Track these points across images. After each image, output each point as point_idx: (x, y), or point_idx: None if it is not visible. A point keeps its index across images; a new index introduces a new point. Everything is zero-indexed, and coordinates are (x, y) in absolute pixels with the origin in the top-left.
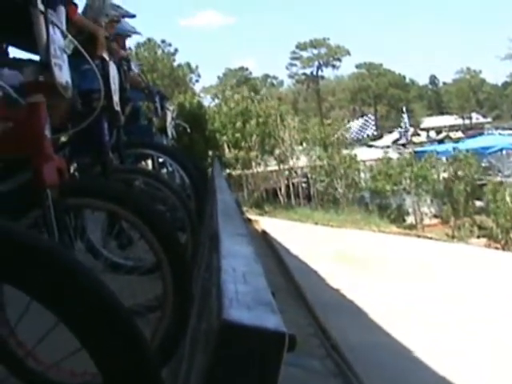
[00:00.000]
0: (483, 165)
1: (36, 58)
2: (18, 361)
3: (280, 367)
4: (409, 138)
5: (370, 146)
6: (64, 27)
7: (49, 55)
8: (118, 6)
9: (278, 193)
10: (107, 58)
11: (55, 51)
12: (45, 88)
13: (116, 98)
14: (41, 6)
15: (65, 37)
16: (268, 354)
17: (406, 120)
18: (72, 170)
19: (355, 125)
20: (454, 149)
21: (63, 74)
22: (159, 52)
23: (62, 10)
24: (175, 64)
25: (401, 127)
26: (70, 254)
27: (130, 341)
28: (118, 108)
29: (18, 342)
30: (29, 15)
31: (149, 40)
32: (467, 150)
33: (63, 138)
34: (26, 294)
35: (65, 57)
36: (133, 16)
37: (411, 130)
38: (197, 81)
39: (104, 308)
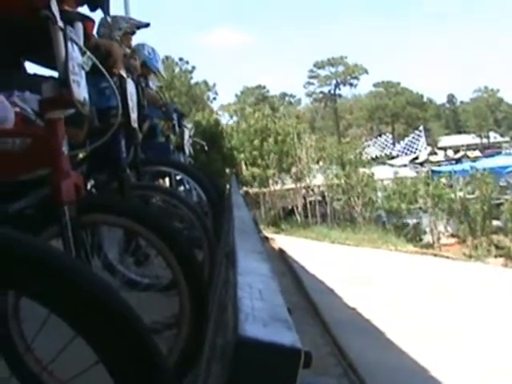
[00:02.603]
0: (501, 184)
1: (55, 74)
2: (33, 376)
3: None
4: (419, 154)
5: (388, 165)
6: (82, 44)
7: (67, 72)
8: (130, 18)
9: (295, 211)
10: (125, 75)
11: (73, 68)
12: (63, 104)
13: (134, 115)
14: (60, 23)
15: (83, 53)
16: (283, 371)
17: (418, 138)
18: (89, 187)
19: (373, 143)
20: (472, 168)
21: (81, 91)
22: (177, 70)
23: (79, 26)
24: (193, 82)
25: (412, 146)
26: (89, 268)
27: (148, 357)
28: (135, 125)
29: (34, 357)
30: (48, 32)
31: (166, 58)
32: (484, 169)
33: (81, 155)
34: (45, 307)
35: (83, 73)
36: (147, 25)
37: (426, 148)
38: (214, 98)
39: (123, 323)
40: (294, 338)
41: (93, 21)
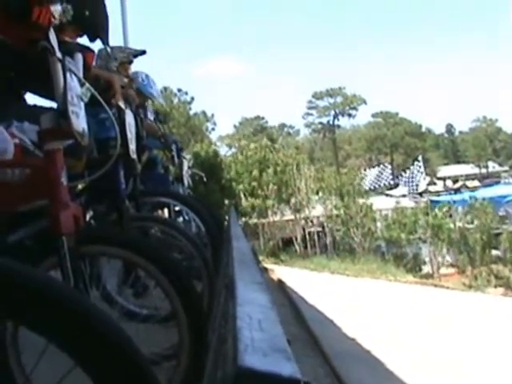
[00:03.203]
0: (500, 214)
1: (54, 105)
2: None
3: None
4: (416, 188)
5: (387, 195)
6: (81, 74)
7: (66, 103)
8: (126, 47)
9: (294, 242)
10: (123, 106)
11: (72, 99)
12: (62, 135)
13: (132, 146)
14: (59, 54)
15: (82, 84)
16: None
17: (418, 169)
18: (88, 218)
19: (371, 173)
20: (471, 197)
21: (80, 122)
22: (175, 101)
23: (79, 57)
24: (191, 112)
25: (413, 178)
26: (88, 300)
27: None
28: (134, 156)
29: None
30: (47, 63)
31: (165, 89)
32: (483, 199)
33: (80, 186)
34: (44, 338)
35: (82, 104)
36: (143, 52)
37: (425, 178)
38: (213, 129)
39: (122, 354)
40: (293, 369)
41: (93, 51)
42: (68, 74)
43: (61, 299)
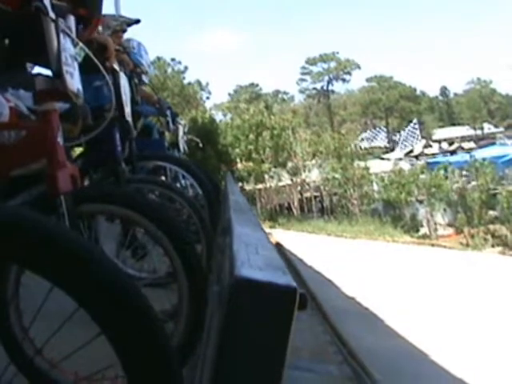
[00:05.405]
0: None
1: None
2: (29, 361)
3: (291, 323)
4: (414, 146)
5: (382, 159)
6: (74, 35)
7: (60, 63)
8: (120, 16)
9: (292, 206)
10: (118, 69)
11: (66, 59)
12: (57, 96)
13: (127, 108)
14: (52, 15)
15: (75, 45)
16: (280, 309)
17: (413, 131)
18: (85, 183)
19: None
20: (471, 157)
21: (74, 82)
22: (169, 70)
23: (71, 18)
24: (185, 82)
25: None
26: (95, 245)
27: (153, 336)
28: (129, 118)
29: (32, 345)
30: (40, 24)
31: (158, 59)
32: (484, 159)
33: (76, 152)
34: (53, 284)
35: (76, 65)
36: (137, 22)
37: (421, 141)
38: (207, 98)
39: (129, 302)
40: (288, 279)
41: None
42: (61, 35)
43: (67, 242)
